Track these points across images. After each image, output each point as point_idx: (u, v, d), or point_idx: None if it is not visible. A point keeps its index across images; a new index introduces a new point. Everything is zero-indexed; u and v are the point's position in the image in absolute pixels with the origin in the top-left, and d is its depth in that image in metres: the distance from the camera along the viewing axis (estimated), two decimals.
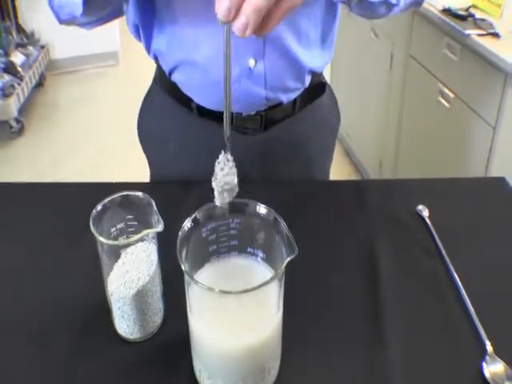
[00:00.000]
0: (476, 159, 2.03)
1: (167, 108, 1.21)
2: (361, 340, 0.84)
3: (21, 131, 3.76)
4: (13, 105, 3.59)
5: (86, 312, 0.87)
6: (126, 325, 0.82)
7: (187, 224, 0.71)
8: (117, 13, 1.01)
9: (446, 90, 2.16)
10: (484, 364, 0.79)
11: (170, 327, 0.85)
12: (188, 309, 0.72)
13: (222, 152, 0.70)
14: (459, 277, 0.93)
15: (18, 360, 0.81)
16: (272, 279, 0.65)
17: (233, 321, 0.70)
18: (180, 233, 0.69)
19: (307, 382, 0.79)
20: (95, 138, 3.70)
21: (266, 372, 0.74)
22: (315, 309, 0.89)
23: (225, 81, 0.65)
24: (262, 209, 0.72)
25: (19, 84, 3.72)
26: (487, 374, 0.78)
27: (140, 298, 0.80)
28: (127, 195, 0.81)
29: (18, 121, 3.71)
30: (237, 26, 0.60)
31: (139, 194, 0.81)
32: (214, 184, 0.71)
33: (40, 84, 4.33)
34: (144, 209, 0.80)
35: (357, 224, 1.06)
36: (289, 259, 0.65)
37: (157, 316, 0.84)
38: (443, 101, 2.19)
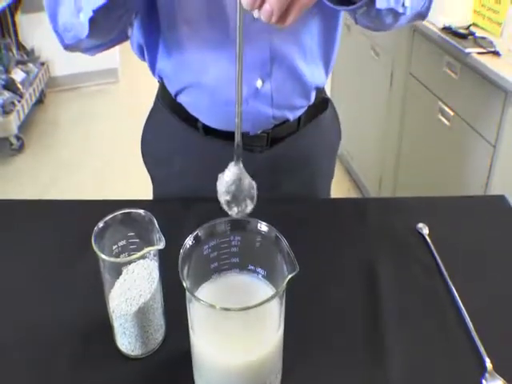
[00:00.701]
0: (476, 177, 2.04)
1: (171, 127, 1.21)
2: (361, 355, 0.85)
3: (21, 148, 3.76)
4: (13, 122, 3.60)
5: (87, 328, 0.88)
6: (127, 341, 0.83)
7: (189, 241, 0.72)
8: (122, 37, 1.02)
9: (446, 108, 2.17)
10: (483, 381, 0.80)
11: (172, 344, 0.85)
12: (189, 325, 0.72)
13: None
14: (459, 294, 0.94)
15: (20, 377, 0.82)
16: (273, 297, 0.65)
17: (234, 338, 0.71)
18: (182, 250, 0.70)
19: None
20: (96, 155, 3.70)
21: None
22: (315, 324, 0.90)
23: (236, 95, 0.68)
24: (263, 226, 0.73)
25: (19, 101, 3.73)
26: None
27: (141, 315, 0.81)
28: (129, 212, 0.82)
29: (18, 138, 3.72)
30: (263, 12, 0.63)
31: (141, 211, 0.82)
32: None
33: (40, 101, 4.34)
34: (146, 226, 0.81)
35: (357, 241, 1.07)
36: (290, 277, 0.66)
37: (158, 333, 0.85)
38: (443, 119, 2.20)
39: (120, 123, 3.92)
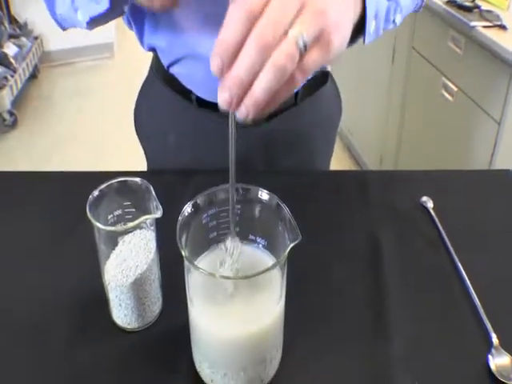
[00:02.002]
0: (480, 154, 2.02)
1: (165, 99, 1.19)
2: (363, 331, 0.84)
3: (14, 124, 3.76)
4: (6, 97, 3.58)
5: (83, 302, 0.87)
6: (123, 314, 0.82)
7: (187, 209, 0.70)
8: (119, 14, 1.00)
9: (450, 84, 2.16)
10: (490, 357, 0.79)
11: (169, 316, 0.84)
12: (188, 297, 0.71)
13: (229, 238, 0.70)
14: (464, 269, 0.93)
15: (16, 353, 0.81)
16: (274, 265, 0.64)
17: (234, 309, 0.70)
18: (180, 217, 0.69)
19: (309, 373, 0.78)
20: (90, 130, 3.69)
21: (267, 362, 0.73)
22: (317, 300, 0.89)
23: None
24: (264, 194, 0.72)
25: (12, 76, 3.71)
26: (493, 366, 0.78)
27: (138, 287, 0.79)
28: (125, 181, 0.81)
29: (11, 113, 3.71)
30: (239, 113, 0.57)
31: (137, 179, 0.81)
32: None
33: (34, 76, 4.32)
34: (142, 195, 0.80)
35: (359, 215, 1.06)
36: (292, 245, 0.65)
37: (155, 305, 0.84)
38: (447, 95, 2.19)
39: (115, 99, 3.90)
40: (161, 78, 1.18)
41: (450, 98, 2.17)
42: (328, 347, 0.81)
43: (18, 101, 3.91)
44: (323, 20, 0.56)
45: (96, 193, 0.79)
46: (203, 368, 0.74)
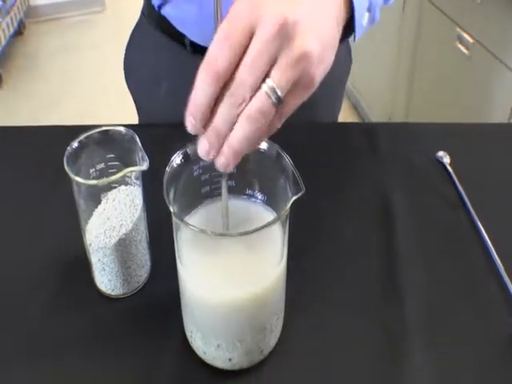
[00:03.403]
0: (497, 111, 1.97)
1: (157, 44, 1.15)
2: (374, 297, 0.80)
3: None
4: None
5: (62, 266, 0.83)
6: (107, 279, 0.78)
7: (176, 159, 0.65)
8: None
9: (465, 36, 2.10)
10: None
11: (158, 282, 0.81)
12: (177, 258, 0.67)
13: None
14: (485, 229, 0.88)
15: None
16: (275, 220, 0.59)
17: (228, 270, 0.65)
18: (167, 169, 0.64)
19: (314, 344, 0.74)
20: (79, 89, 3.64)
21: (266, 332, 0.69)
22: (323, 261, 0.85)
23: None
24: (262, 143, 0.67)
25: None
26: None
27: (122, 248, 0.75)
28: (107, 131, 0.76)
29: None
30: (218, 163, 0.58)
31: (121, 128, 0.76)
32: None
33: (19, 32, 4.25)
34: (127, 146, 0.75)
35: (369, 170, 1.01)
36: (294, 198, 0.60)
37: (142, 269, 0.79)
38: (461, 47, 2.13)
39: (106, 56, 3.84)
40: (152, 21, 1.14)
41: (465, 50, 2.11)
42: (335, 314, 0.78)
43: (2, 59, 3.84)
44: (304, 64, 0.56)
45: (75, 144, 0.74)
46: (195, 339, 0.70)
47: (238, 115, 0.55)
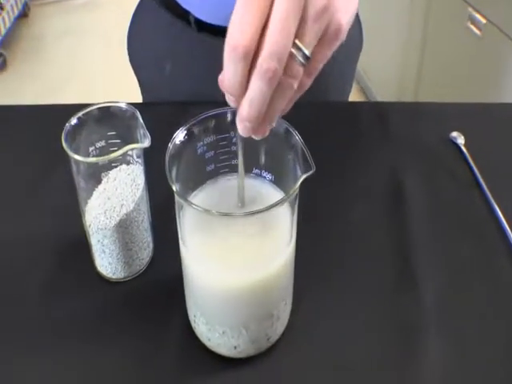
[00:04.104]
0: (511, 94, 1.94)
1: (161, 22, 1.12)
2: (386, 283, 0.77)
3: (3, 66, 3.68)
4: None
5: (61, 248, 0.81)
6: (107, 262, 0.75)
7: (179, 136, 0.62)
8: None
9: (478, 16, 2.05)
10: None
11: (160, 265, 0.78)
12: (180, 240, 0.64)
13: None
14: (502, 212, 0.85)
15: None
16: (283, 200, 0.56)
17: (234, 253, 0.62)
18: (170, 145, 0.60)
19: (323, 332, 0.71)
20: (84, 71, 3.61)
21: (273, 318, 0.66)
22: (333, 245, 0.82)
23: None
24: None
25: None
26: None
27: (123, 230, 0.72)
28: (108, 107, 0.73)
29: None
30: (256, 136, 0.56)
31: (122, 104, 0.72)
32: None
33: (24, 15, 4.21)
34: (128, 123, 0.72)
35: (380, 151, 0.98)
36: (304, 177, 0.57)
37: (144, 252, 0.77)
38: (473, 28, 2.08)
39: (111, 38, 3.80)
40: None
41: (477, 31, 2.06)
42: (346, 300, 0.75)
43: (7, 41, 3.81)
44: (329, 14, 0.53)
45: (74, 121, 0.70)
46: (198, 324, 0.67)
47: (272, 88, 0.52)
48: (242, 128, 0.54)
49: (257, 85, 0.51)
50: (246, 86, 0.52)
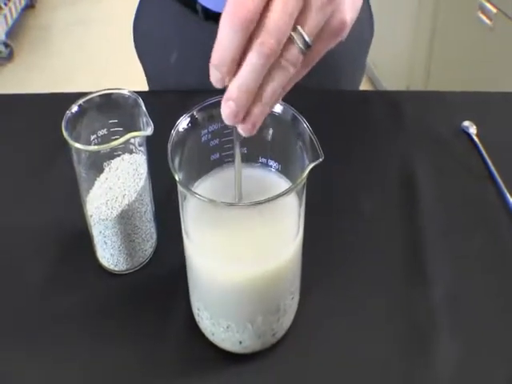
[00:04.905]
0: None
1: (167, 10, 1.10)
2: (397, 277, 0.75)
3: (10, 56, 3.65)
4: (0, 27, 3.48)
5: (62, 240, 0.79)
6: (109, 253, 0.73)
7: (182, 123, 0.60)
8: None
9: (488, 5, 2.02)
10: None
11: (163, 256, 0.76)
12: (183, 231, 0.61)
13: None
14: None
15: None
16: (290, 189, 0.54)
17: (239, 244, 0.60)
18: (173, 132, 0.58)
19: (330, 328, 0.69)
20: (91, 62, 3.59)
21: (280, 313, 0.64)
22: (342, 238, 0.80)
23: None
24: (276, 106, 0.61)
25: (6, 4, 3.60)
26: None
27: (126, 220, 0.70)
28: (109, 94, 0.71)
29: (6, 45, 3.61)
30: (243, 128, 0.53)
31: (124, 91, 0.71)
32: None
33: (31, 5, 4.19)
34: (131, 111, 0.70)
35: (391, 141, 0.96)
36: (312, 166, 0.55)
37: (147, 243, 0.75)
38: (484, 17, 2.05)
39: (118, 29, 3.76)
40: None
41: (487, 21, 2.04)
42: (354, 294, 0.73)
43: (14, 32, 3.79)
44: (334, 5, 0.51)
45: (74, 108, 0.69)
46: (202, 318, 0.65)
47: (266, 71, 0.50)
48: (227, 110, 0.51)
49: (251, 60, 0.49)
50: (238, 65, 0.50)
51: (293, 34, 0.49)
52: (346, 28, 0.53)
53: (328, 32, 0.52)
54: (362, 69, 1.27)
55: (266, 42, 0.48)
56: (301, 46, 0.49)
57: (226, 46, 0.50)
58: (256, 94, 0.51)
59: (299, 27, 0.49)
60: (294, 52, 0.50)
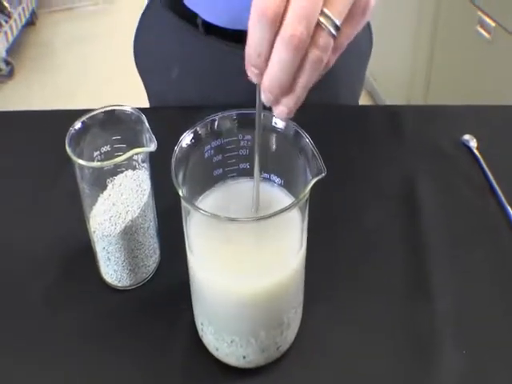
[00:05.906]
0: None
1: (168, 25, 1.10)
2: (400, 290, 0.75)
3: (11, 74, 3.68)
4: (0, 44, 3.49)
5: (66, 255, 0.79)
6: (112, 269, 0.73)
7: (186, 139, 0.60)
8: None
9: (487, 19, 2.03)
10: None
11: (167, 273, 0.76)
12: (187, 246, 0.62)
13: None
14: None
15: None
16: (294, 204, 0.54)
17: (242, 259, 0.60)
18: (176, 148, 0.59)
19: (335, 341, 0.69)
20: (92, 80, 3.60)
21: (283, 326, 0.64)
22: (345, 252, 0.80)
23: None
24: (279, 121, 0.62)
25: (7, 21, 3.62)
26: None
27: (129, 236, 0.70)
28: (113, 110, 0.71)
29: (7, 62, 3.63)
30: (277, 114, 0.53)
31: (127, 108, 0.71)
32: None
33: (31, 23, 4.22)
34: (133, 127, 0.70)
35: (392, 154, 0.96)
36: (315, 180, 0.55)
37: (150, 259, 0.75)
38: (483, 31, 2.07)
39: (119, 45, 3.79)
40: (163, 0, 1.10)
41: (487, 35, 2.05)
42: (358, 307, 0.73)
43: (15, 49, 3.81)
44: None
45: (78, 125, 0.69)
46: (206, 333, 0.65)
47: (298, 61, 0.49)
48: (265, 98, 0.52)
49: (280, 52, 0.49)
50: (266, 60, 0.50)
51: (320, 18, 0.48)
52: (370, 9, 0.53)
53: (355, 13, 0.52)
54: (361, 82, 1.28)
55: (293, 32, 0.47)
56: (330, 28, 0.49)
57: (258, 43, 0.49)
58: (291, 84, 0.51)
59: (326, 10, 0.48)
60: (325, 37, 0.49)
